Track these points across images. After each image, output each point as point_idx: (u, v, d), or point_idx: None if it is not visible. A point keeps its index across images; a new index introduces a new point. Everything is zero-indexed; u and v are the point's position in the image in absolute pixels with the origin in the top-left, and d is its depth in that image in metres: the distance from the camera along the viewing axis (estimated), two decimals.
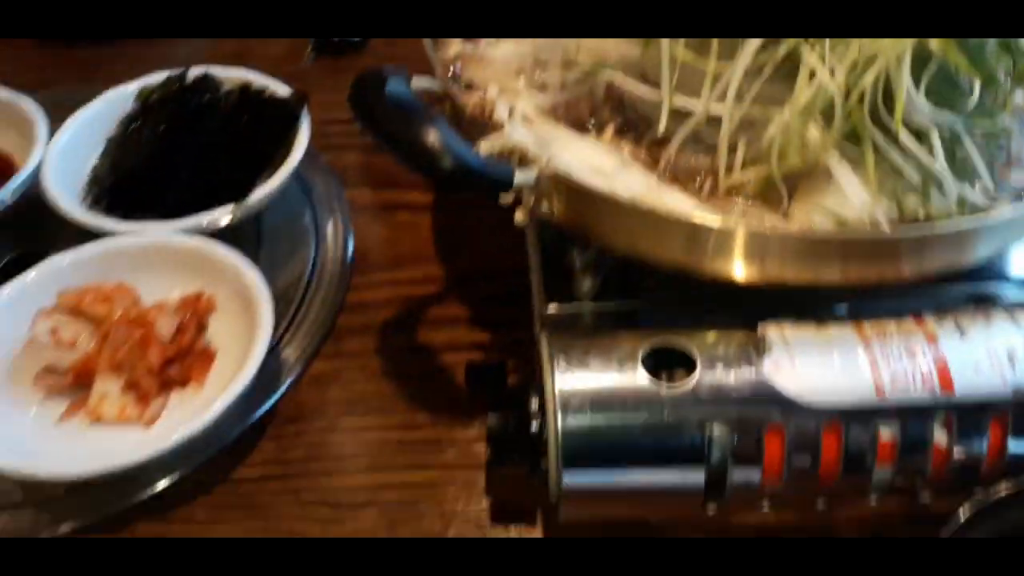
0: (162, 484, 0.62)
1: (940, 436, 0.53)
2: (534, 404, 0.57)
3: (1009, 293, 0.57)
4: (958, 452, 0.53)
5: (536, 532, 0.60)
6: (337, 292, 0.75)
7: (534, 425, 0.57)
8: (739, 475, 0.54)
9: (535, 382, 0.57)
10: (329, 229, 0.79)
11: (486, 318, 0.73)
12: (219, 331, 0.68)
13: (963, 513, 0.52)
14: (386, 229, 0.80)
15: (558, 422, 0.53)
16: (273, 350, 0.69)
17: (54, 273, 0.67)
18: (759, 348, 0.53)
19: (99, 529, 0.61)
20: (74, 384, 0.64)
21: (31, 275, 0.66)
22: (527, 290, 0.65)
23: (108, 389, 0.63)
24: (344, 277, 0.76)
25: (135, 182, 0.74)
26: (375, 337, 0.72)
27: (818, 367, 0.53)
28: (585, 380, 0.54)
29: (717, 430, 0.52)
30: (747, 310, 0.55)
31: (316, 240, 0.78)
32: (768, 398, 0.52)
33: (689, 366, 0.53)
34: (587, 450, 0.54)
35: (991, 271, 0.59)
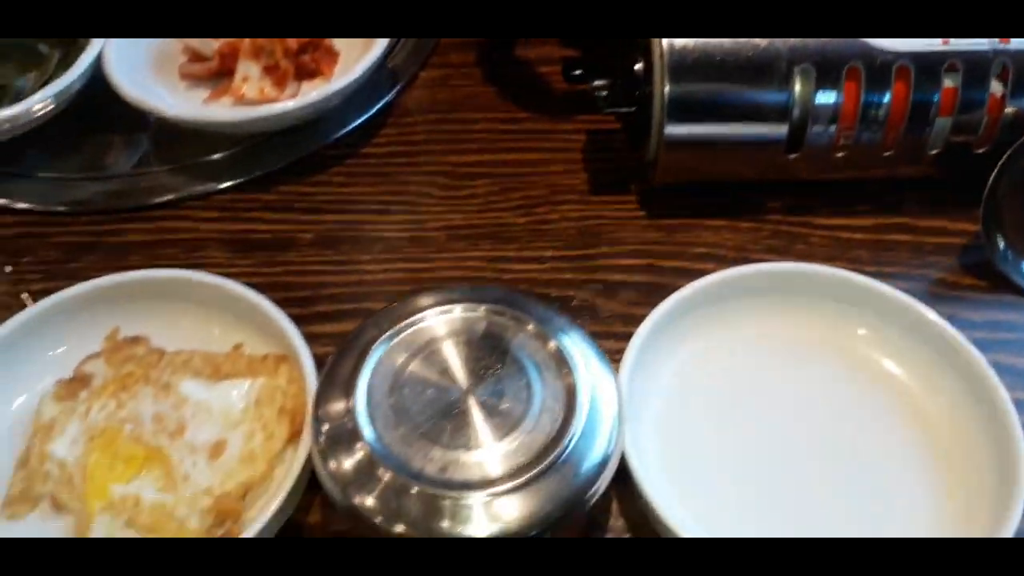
0: (301, 153, 0.70)
1: (996, 86, 0.61)
2: (638, 67, 0.64)
3: None
4: (1011, 104, 0.61)
5: (631, 198, 0.68)
6: None
7: (638, 92, 0.65)
8: (819, 123, 0.62)
9: (639, 50, 0.65)
10: None
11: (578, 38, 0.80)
12: (341, 40, 0.76)
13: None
14: None
15: (665, 76, 0.61)
16: (387, 59, 0.77)
17: None
18: None
19: (251, 187, 0.69)
20: (217, 70, 0.72)
21: None
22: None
23: (249, 71, 0.71)
24: None
25: None
26: (476, 52, 0.80)
27: None
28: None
29: (801, 74, 0.60)
30: None
31: None
32: (847, 42, 0.60)
33: None
34: (689, 103, 0.62)
35: None
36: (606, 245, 0.66)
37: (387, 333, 0.50)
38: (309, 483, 0.51)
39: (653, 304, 0.57)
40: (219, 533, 0.50)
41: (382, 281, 0.64)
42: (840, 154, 0.63)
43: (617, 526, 0.52)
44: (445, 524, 0.44)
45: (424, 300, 0.52)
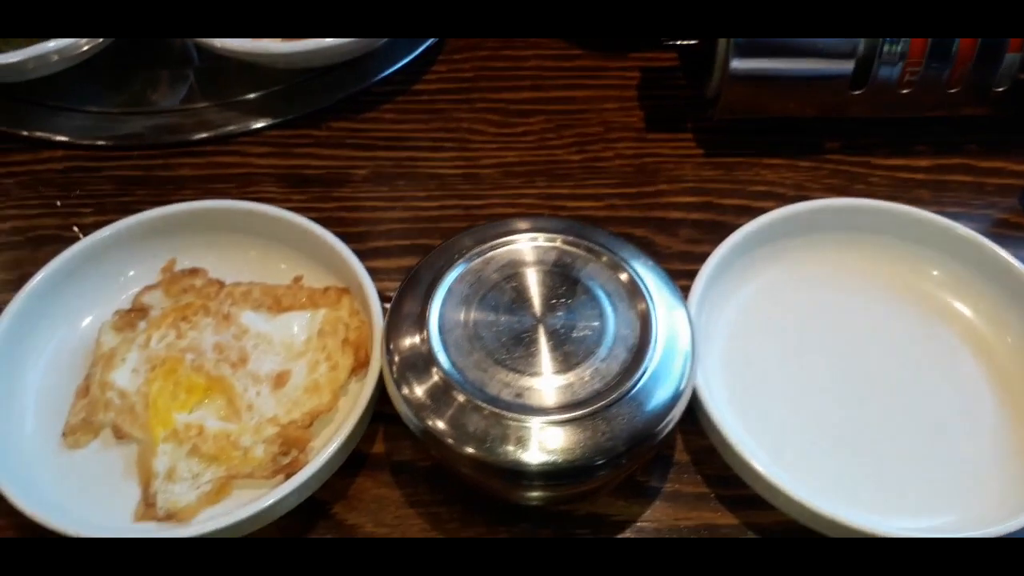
0: (351, 90, 0.69)
1: None
2: None
3: None
4: None
5: (688, 136, 0.67)
6: None
7: None
8: (885, 58, 0.60)
9: None
10: None
11: None
12: None
13: None
14: None
15: None
16: None
17: None
18: None
19: (302, 124, 0.68)
20: None
21: None
22: None
23: None
24: None
25: None
26: None
27: None
28: None
29: None
30: None
31: None
32: None
33: None
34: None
35: None
36: (664, 183, 0.65)
37: (458, 261, 0.50)
38: (373, 415, 0.51)
39: (713, 242, 0.56)
40: (284, 462, 0.50)
41: (437, 218, 0.63)
42: (905, 91, 0.62)
43: (682, 460, 0.52)
44: (517, 448, 0.43)
45: (495, 230, 0.51)
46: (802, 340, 0.55)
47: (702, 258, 0.55)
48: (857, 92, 0.62)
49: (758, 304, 0.56)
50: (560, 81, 0.71)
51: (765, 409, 0.52)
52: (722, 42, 0.61)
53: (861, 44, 0.60)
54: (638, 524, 0.50)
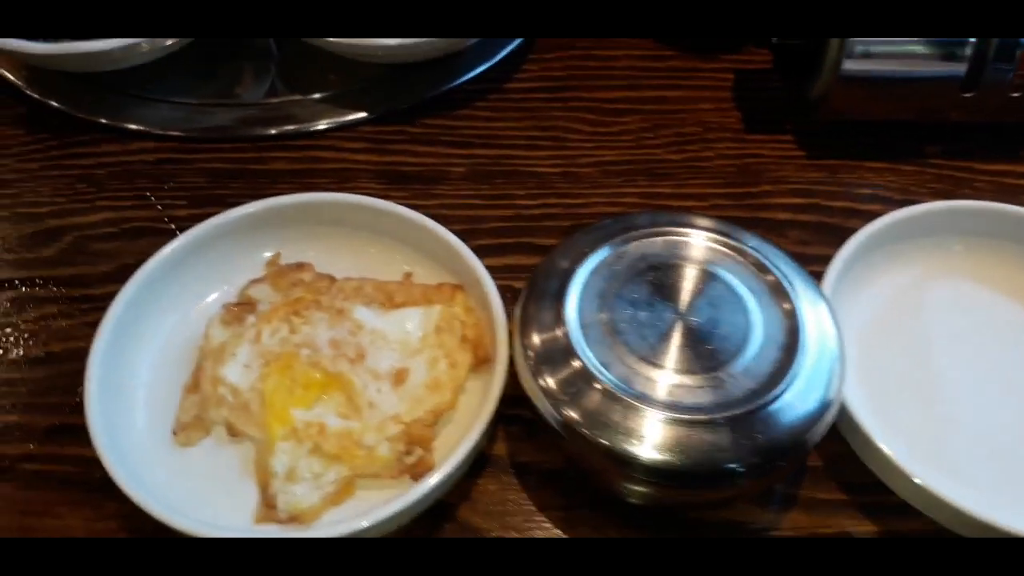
0: (442, 87, 0.68)
1: None
2: None
3: None
4: None
5: (788, 138, 0.66)
6: None
7: None
8: (998, 61, 0.60)
9: None
10: None
11: None
12: None
13: None
14: None
15: None
16: None
17: None
18: None
19: (395, 120, 0.67)
20: None
21: None
22: None
23: None
24: None
25: None
26: None
27: None
28: None
29: None
30: None
31: None
32: None
33: None
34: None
35: None
36: (767, 183, 0.64)
37: (590, 256, 0.48)
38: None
39: (824, 243, 0.55)
40: (409, 461, 0.48)
41: (539, 216, 0.62)
42: (1016, 94, 0.61)
43: (816, 466, 0.50)
44: (666, 447, 0.42)
45: (627, 223, 0.50)
46: (934, 344, 0.54)
47: (814, 260, 0.54)
48: (968, 95, 0.61)
49: (884, 306, 0.55)
50: (653, 81, 0.70)
51: (900, 414, 0.51)
52: (833, 43, 0.60)
53: (973, 46, 0.59)
54: (776, 532, 0.48)
